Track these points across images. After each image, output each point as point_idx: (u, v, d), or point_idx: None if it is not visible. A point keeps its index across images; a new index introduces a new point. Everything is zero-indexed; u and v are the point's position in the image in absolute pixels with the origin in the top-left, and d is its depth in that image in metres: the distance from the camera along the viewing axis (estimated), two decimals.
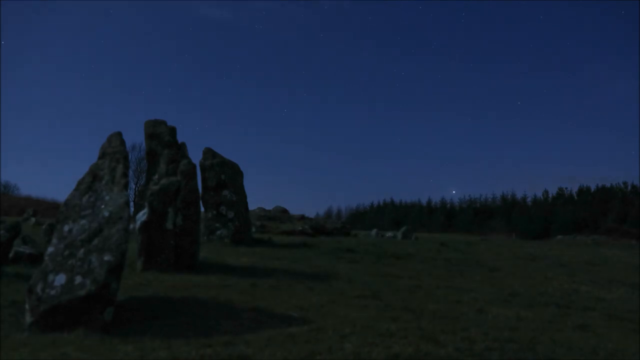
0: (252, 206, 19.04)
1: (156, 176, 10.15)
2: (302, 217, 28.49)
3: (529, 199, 75.57)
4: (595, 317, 7.67)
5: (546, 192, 73.16)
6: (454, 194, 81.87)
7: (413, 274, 10.88)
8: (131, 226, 8.43)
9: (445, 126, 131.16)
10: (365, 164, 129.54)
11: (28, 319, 5.13)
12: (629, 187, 64.52)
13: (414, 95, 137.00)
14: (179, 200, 9.31)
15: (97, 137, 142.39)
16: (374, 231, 29.03)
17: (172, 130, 11.96)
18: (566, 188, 71.97)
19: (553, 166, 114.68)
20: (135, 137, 73.35)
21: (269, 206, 29.72)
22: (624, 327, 7.04)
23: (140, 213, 9.40)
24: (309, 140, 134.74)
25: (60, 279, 5.24)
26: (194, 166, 9.92)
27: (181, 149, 10.75)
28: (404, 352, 4.90)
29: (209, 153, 14.72)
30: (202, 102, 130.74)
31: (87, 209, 5.93)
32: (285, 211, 29.24)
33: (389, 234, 27.93)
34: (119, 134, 6.94)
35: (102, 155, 6.60)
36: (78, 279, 5.24)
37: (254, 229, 19.55)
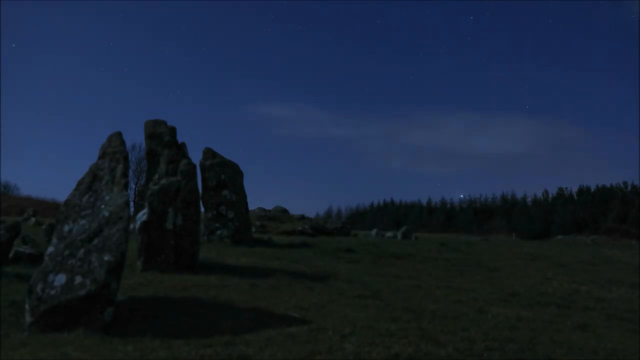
0: (252, 206, 19.00)
1: (156, 176, 10.15)
2: (302, 217, 28.49)
3: (529, 199, 75.56)
4: (595, 317, 7.68)
5: (546, 192, 73.14)
6: (461, 197, 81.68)
7: (413, 274, 10.88)
8: (131, 226, 8.43)
9: (447, 125, 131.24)
10: (366, 164, 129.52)
11: (28, 319, 5.13)
12: (629, 187, 64.48)
13: (414, 95, 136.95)
14: (179, 200, 9.31)
15: (97, 137, 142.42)
16: (374, 231, 28.99)
17: (172, 130, 11.96)
18: (566, 188, 71.87)
19: (553, 166, 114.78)
20: (135, 137, 73.24)
21: (269, 206, 29.72)
22: (624, 327, 7.05)
23: (140, 213, 9.40)
24: (309, 139, 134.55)
25: (60, 279, 5.25)
26: (194, 166, 9.92)
27: (181, 149, 10.75)
28: (404, 352, 4.91)
29: (209, 153, 14.71)
30: (203, 102, 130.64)
31: (87, 209, 5.93)
32: (285, 211, 29.23)
33: (389, 234, 27.89)
34: (119, 134, 6.94)
35: (102, 155, 6.60)
36: (78, 279, 5.24)
37: (254, 229, 19.54)
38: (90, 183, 6.24)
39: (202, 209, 13.35)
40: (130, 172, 26.64)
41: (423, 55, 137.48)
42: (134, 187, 47.69)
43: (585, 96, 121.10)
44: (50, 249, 5.59)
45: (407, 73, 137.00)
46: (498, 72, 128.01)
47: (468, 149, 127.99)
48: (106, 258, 5.39)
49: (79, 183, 6.27)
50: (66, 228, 5.77)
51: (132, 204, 18.40)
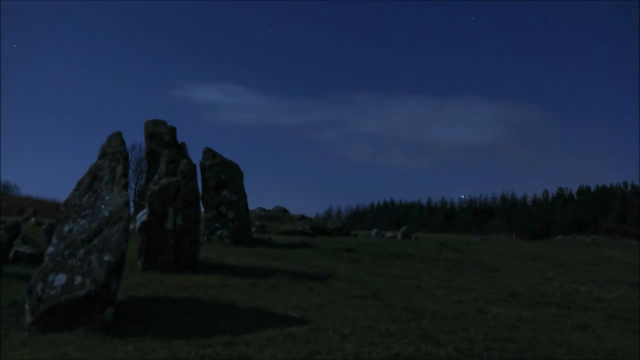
0: (252, 206, 18.99)
1: (156, 176, 10.15)
2: (302, 217, 28.48)
3: (529, 199, 75.61)
4: (595, 317, 7.68)
5: (546, 192, 73.19)
6: (462, 198, 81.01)
7: (413, 274, 10.88)
8: (131, 226, 8.43)
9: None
10: (367, 164, 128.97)
11: (28, 319, 5.13)
12: (629, 187, 64.50)
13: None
14: (179, 200, 9.31)
15: (97, 137, 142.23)
16: (374, 231, 29.00)
17: (172, 130, 11.97)
18: (566, 188, 71.93)
19: (553, 166, 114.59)
20: (135, 137, 72.97)
21: (269, 206, 29.70)
22: (624, 327, 7.05)
23: (140, 213, 9.40)
24: (309, 139, 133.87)
25: (60, 279, 5.25)
26: (194, 166, 9.92)
27: (181, 149, 10.75)
28: (404, 352, 4.91)
29: (209, 153, 14.71)
30: (202, 101, 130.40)
31: (87, 209, 5.93)
32: (285, 211, 29.22)
33: (389, 234, 27.89)
34: (119, 134, 6.94)
35: (102, 155, 6.60)
36: (78, 279, 5.24)
37: (254, 229, 19.54)
38: (90, 183, 6.24)
39: (202, 209, 13.36)
40: (130, 172, 26.63)
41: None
42: (134, 187, 47.68)
43: (585, 95, 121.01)
44: (50, 249, 5.59)
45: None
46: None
47: (433, 138, 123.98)
48: (106, 258, 5.39)
49: (79, 183, 6.27)
50: (66, 228, 5.77)
51: (132, 204, 18.39)
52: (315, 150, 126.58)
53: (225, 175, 14.24)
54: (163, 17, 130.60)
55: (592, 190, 67.99)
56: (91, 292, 5.16)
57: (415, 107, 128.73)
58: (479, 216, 74.16)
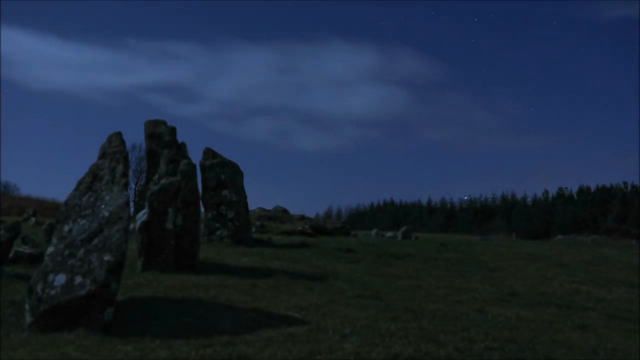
0: (252, 206, 18.96)
1: (156, 176, 10.16)
2: (302, 217, 28.51)
3: (529, 199, 75.66)
4: (595, 317, 7.68)
5: (546, 192, 73.20)
6: (463, 198, 79.26)
7: (413, 274, 10.88)
8: (131, 226, 8.43)
9: (447, 127, 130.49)
10: (367, 163, 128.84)
11: (28, 319, 5.13)
12: (629, 187, 64.56)
13: (416, 94, 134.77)
14: (179, 200, 9.31)
15: (97, 137, 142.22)
16: (374, 231, 28.99)
17: (172, 130, 12.00)
18: (566, 188, 72.00)
19: (553, 166, 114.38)
20: (135, 137, 72.44)
21: (269, 206, 29.72)
22: (624, 327, 7.05)
23: (140, 213, 9.41)
24: (308, 139, 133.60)
25: (60, 279, 5.25)
26: (194, 166, 9.92)
27: (181, 149, 10.77)
28: (404, 352, 4.91)
29: (209, 153, 14.72)
30: (203, 101, 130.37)
31: (87, 209, 5.93)
32: (285, 211, 29.24)
33: (389, 234, 27.87)
34: (119, 134, 6.95)
35: (102, 155, 6.60)
36: (78, 279, 5.24)
37: (254, 229, 19.53)
38: (90, 183, 6.24)
39: (202, 209, 13.35)
40: (130, 172, 26.62)
41: (418, 58, 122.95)
42: (134, 187, 47.68)
43: (585, 95, 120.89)
44: (50, 249, 5.59)
45: (406, 71, 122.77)
46: None
47: (325, 110, 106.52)
48: (106, 258, 5.39)
49: (79, 183, 6.27)
50: (66, 228, 5.77)
51: (132, 204, 18.39)
52: (203, 132, 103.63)
53: (225, 175, 14.24)
54: None
55: (592, 190, 68.06)
56: (91, 292, 5.16)
57: (268, 61, 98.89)
58: (479, 216, 74.21)
